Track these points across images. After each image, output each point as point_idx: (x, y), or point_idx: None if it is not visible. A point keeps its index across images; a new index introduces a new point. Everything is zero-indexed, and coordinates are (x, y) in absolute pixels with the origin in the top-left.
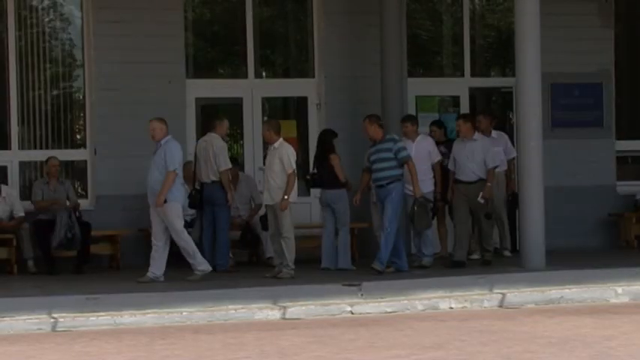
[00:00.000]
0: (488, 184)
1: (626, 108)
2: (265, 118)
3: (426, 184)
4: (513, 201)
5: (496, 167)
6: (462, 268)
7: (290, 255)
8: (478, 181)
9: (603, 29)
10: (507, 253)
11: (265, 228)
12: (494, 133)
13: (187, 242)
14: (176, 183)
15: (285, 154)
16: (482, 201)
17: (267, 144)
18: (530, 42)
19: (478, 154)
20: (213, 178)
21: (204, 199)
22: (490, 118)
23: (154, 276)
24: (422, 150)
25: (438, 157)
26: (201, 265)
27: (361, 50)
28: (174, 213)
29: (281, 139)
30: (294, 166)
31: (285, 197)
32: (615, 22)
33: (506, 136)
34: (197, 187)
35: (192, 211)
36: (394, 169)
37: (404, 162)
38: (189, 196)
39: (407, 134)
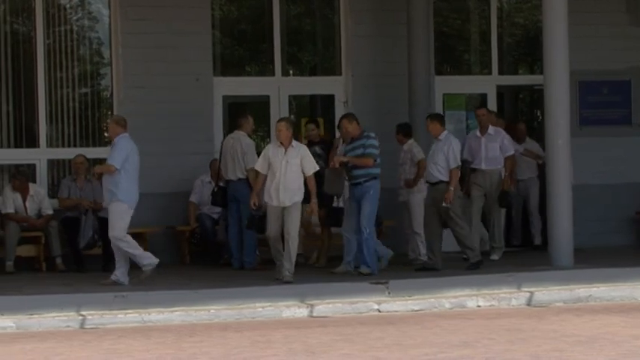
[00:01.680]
0: (451, 187)
1: None
2: (292, 117)
3: None
4: (501, 199)
5: (458, 167)
6: (433, 271)
7: (294, 256)
8: (438, 183)
9: (631, 27)
10: (495, 257)
11: (260, 230)
12: (490, 129)
13: (121, 247)
14: (129, 185)
15: (306, 154)
16: (444, 204)
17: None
18: (558, 39)
19: (438, 154)
20: (240, 176)
21: (229, 197)
22: (487, 112)
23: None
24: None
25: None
26: (145, 259)
27: (388, 48)
28: (116, 212)
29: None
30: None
31: (315, 200)
32: None
33: (503, 133)
34: (221, 184)
35: (218, 209)
36: (371, 167)
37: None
38: (212, 194)
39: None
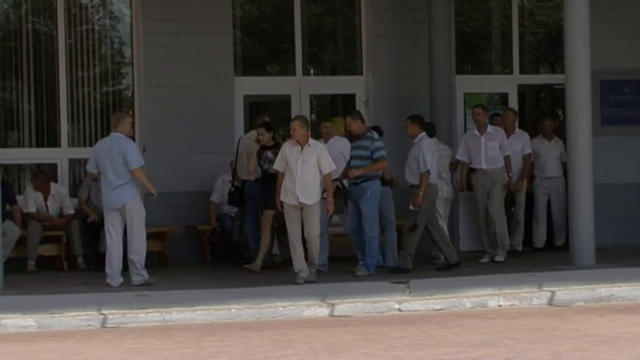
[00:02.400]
0: (420, 192)
1: None
2: (313, 116)
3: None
4: (511, 201)
5: (427, 172)
6: (403, 273)
7: (317, 259)
8: (410, 187)
9: None
10: (499, 258)
11: (283, 232)
12: (489, 127)
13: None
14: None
15: (323, 153)
16: (411, 207)
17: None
18: (579, 38)
19: (411, 157)
20: (258, 176)
21: (246, 196)
22: (484, 111)
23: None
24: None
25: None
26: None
27: (409, 47)
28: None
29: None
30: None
31: (331, 200)
32: None
33: (502, 132)
34: (237, 184)
35: (235, 208)
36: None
37: (378, 162)
38: (229, 194)
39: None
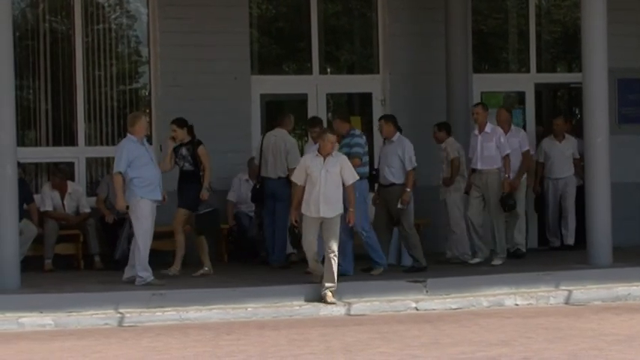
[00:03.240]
0: (407, 189)
1: None
2: (330, 115)
3: None
4: (503, 203)
5: (414, 169)
6: (419, 272)
7: (336, 273)
8: (391, 186)
9: None
10: (498, 261)
11: (297, 245)
12: (488, 127)
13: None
14: None
15: (346, 163)
16: (400, 206)
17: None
18: (597, 37)
19: (392, 156)
20: (280, 174)
21: (266, 194)
22: (483, 110)
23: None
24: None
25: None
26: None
27: (426, 46)
28: None
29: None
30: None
31: (352, 210)
32: None
33: (500, 131)
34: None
35: (252, 207)
36: (364, 166)
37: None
38: (253, 191)
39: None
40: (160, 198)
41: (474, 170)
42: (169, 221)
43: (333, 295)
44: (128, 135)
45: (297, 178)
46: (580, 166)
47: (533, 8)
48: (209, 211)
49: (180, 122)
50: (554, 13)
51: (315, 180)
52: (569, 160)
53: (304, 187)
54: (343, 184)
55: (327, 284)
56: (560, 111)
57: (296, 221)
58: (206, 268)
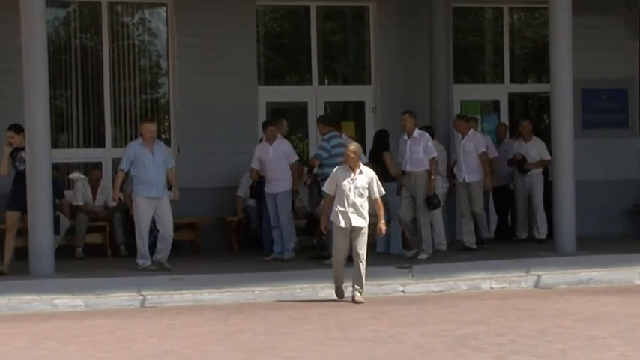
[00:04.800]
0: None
1: None
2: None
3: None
4: (429, 202)
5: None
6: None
7: (364, 276)
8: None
9: (629, 40)
10: (424, 255)
11: (322, 251)
12: (415, 132)
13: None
14: None
15: (374, 177)
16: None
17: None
18: (562, 52)
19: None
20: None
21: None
22: (410, 117)
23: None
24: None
25: (296, 157)
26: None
27: (412, 60)
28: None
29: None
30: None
31: (383, 221)
32: (639, 34)
33: (427, 136)
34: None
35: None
36: (326, 167)
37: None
38: (250, 187)
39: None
40: (154, 196)
41: (403, 172)
42: (183, 214)
43: (361, 295)
44: (139, 138)
45: (328, 188)
46: (544, 165)
47: (506, 26)
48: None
49: (17, 128)
50: (525, 31)
51: (346, 192)
52: (534, 160)
53: (334, 198)
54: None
55: (356, 286)
56: (525, 116)
57: (325, 228)
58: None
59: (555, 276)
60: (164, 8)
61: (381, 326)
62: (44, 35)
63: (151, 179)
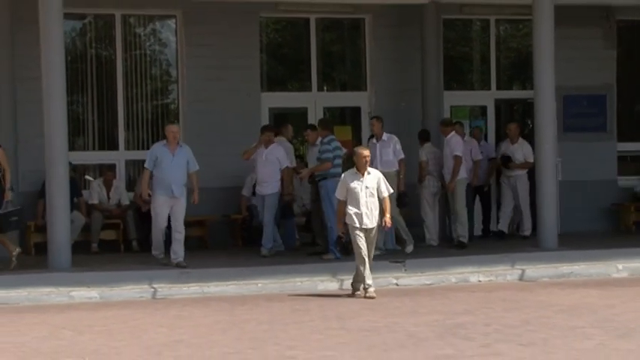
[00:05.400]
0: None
1: (626, 115)
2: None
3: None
4: (398, 200)
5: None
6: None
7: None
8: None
9: (606, 50)
10: (410, 248)
11: (348, 252)
12: (384, 136)
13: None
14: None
15: (382, 178)
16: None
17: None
18: (545, 61)
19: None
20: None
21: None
22: (377, 121)
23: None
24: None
25: (286, 163)
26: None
27: (405, 68)
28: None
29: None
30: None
31: (389, 216)
32: (617, 45)
33: (395, 139)
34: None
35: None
36: (329, 169)
37: (322, 163)
38: (254, 187)
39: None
40: (169, 195)
41: None
42: (191, 212)
43: (374, 291)
44: (164, 139)
45: (339, 194)
46: (528, 167)
47: (493, 37)
48: (12, 210)
49: None
50: (510, 41)
51: (357, 195)
52: (519, 161)
53: (346, 202)
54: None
55: (367, 282)
56: (513, 119)
57: (342, 232)
58: (14, 253)
59: (538, 270)
60: (174, 20)
61: (377, 317)
62: (62, 45)
63: (168, 179)
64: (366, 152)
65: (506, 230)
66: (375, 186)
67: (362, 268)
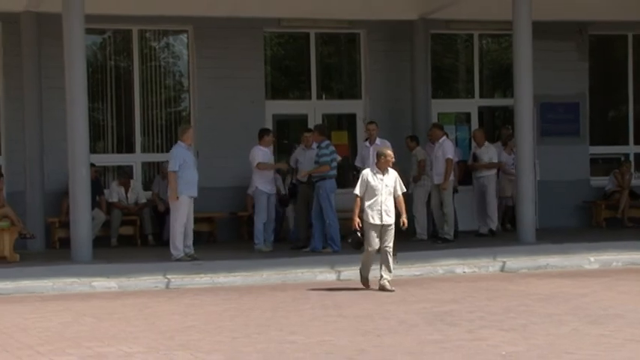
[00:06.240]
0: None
1: (597, 121)
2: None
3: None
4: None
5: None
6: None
7: (392, 266)
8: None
9: (580, 62)
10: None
11: (359, 246)
12: (378, 140)
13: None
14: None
15: (397, 177)
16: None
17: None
18: (524, 71)
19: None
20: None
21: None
22: (375, 127)
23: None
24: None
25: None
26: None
27: (397, 79)
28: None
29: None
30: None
31: (405, 216)
32: (589, 57)
33: (388, 143)
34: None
35: None
36: (327, 171)
37: (321, 165)
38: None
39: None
40: (195, 195)
41: None
42: (202, 209)
43: (389, 282)
44: (179, 142)
45: (359, 191)
46: (493, 167)
47: (476, 50)
48: None
49: None
50: (492, 54)
51: (376, 192)
52: (484, 162)
53: (362, 198)
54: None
55: (384, 275)
56: (494, 129)
57: (359, 225)
58: None
59: (518, 262)
60: (186, 35)
61: (371, 305)
62: (83, 58)
63: (193, 180)
64: (390, 152)
65: (485, 231)
66: (393, 184)
67: (367, 262)
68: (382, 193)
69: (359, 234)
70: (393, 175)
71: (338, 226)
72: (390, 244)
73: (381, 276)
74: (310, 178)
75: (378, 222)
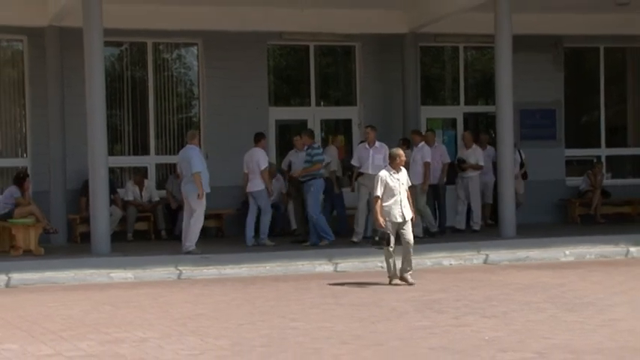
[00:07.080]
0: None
1: (572, 126)
2: (323, 133)
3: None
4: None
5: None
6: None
7: (412, 261)
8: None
9: (556, 72)
10: (356, 238)
11: (388, 243)
12: (377, 143)
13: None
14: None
15: (406, 172)
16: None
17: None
18: (505, 81)
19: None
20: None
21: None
22: (372, 130)
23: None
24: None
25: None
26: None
27: (389, 87)
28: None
29: None
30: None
31: (412, 208)
32: (564, 67)
33: (385, 146)
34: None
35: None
36: (318, 170)
37: (314, 164)
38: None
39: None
40: (209, 191)
41: (361, 173)
42: (210, 206)
43: (410, 275)
44: (191, 145)
45: (379, 191)
46: (478, 168)
47: (462, 61)
48: None
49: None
50: (476, 65)
51: (395, 192)
52: (470, 163)
53: (381, 198)
54: None
55: (407, 268)
56: (478, 133)
57: (384, 224)
58: None
59: (500, 255)
60: (196, 47)
61: (365, 294)
62: (102, 68)
63: (207, 178)
64: (402, 152)
65: (463, 227)
66: (405, 180)
67: (390, 261)
68: (400, 191)
69: (386, 232)
70: (404, 171)
71: (324, 218)
72: (410, 237)
73: (406, 269)
74: (298, 178)
75: (400, 220)
